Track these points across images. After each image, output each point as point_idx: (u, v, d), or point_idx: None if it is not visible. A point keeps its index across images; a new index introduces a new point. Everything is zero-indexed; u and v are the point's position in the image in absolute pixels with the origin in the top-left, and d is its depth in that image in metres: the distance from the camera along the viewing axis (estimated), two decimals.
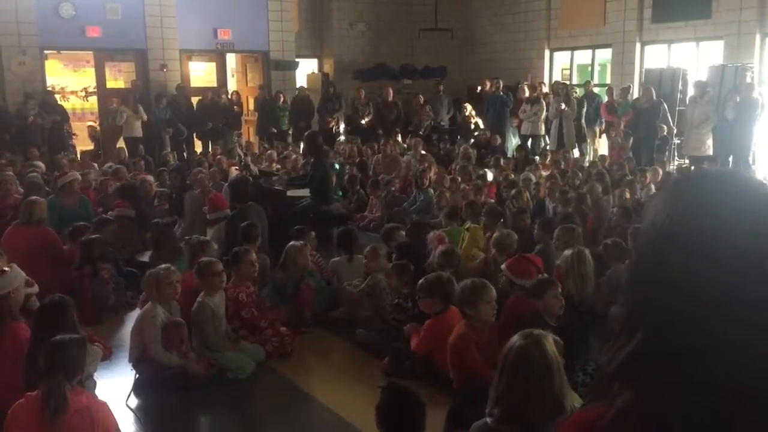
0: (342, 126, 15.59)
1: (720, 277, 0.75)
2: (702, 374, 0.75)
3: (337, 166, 10.97)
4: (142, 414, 4.22)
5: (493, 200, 8.47)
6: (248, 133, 15.83)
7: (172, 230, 7.03)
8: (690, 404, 0.76)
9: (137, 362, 4.53)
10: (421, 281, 4.68)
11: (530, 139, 13.57)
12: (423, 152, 11.99)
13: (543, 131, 13.52)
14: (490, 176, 9.97)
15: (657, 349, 0.79)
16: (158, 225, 6.72)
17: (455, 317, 4.48)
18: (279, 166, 11.11)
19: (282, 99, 14.55)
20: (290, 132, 14.58)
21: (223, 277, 4.92)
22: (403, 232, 6.46)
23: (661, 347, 0.79)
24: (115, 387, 4.39)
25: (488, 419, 2.93)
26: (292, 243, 5.86)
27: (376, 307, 5.35)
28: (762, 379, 0.75)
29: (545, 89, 14.50)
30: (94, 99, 15.16)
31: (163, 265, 4.84)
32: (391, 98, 14.90)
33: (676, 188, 0.87)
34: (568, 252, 5.15)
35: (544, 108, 13.31)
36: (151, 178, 9.37)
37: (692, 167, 10.85)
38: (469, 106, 14.81)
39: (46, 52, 13.78)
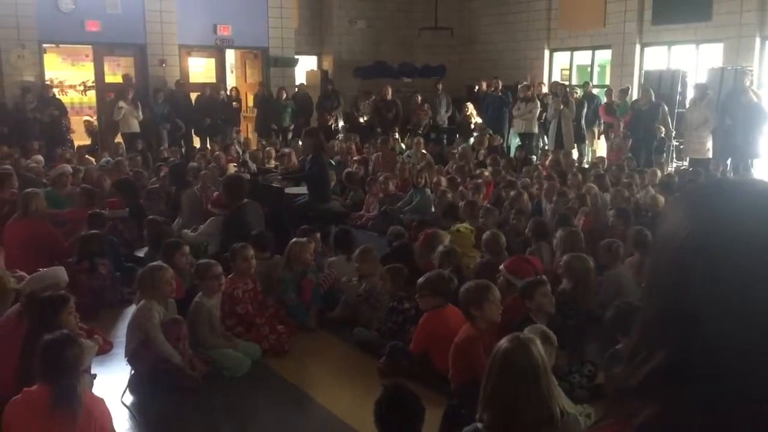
0: (341, 124, 15.56)
1: (748, 291, 0.72)
2: (733, 391, 0.73)
3: (332, 163, 10.95)
4: (137, 411, 4.21)
5: (488, 199, 8.47)
6: (247, 129, 15.80)
7: (170, 227, 6.97)
8: (720, 421, 0.73)
9: (132, 357, 4.50)
10: (421, 279, 4.67)
11: (525, 138, 13.53)
12: (423, 152, 11.98)
13: (536, 129, 13.51)
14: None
15: (683, 366, 0.76)
16: (155, 221, 6.65)
17: (452, 314, 4.47)
18: (277, 163, 11.08)
19: (285, 95, 14.51)
20: (291, 128, 14.56)
21: (221, 280, 4.89)
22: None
23: (687, 364, 0.75)
24: (111, 383, 4.37)
25: (478, 424, 2.93)
26: (295, 240, 5.80)
27: (374, 310, 5.32)
28: None
29: (545, 89, 14.49)
30: (92, 93, 15.11)
31: (157, 263, 4.82)
32: (389, 96, 14.87)
33: (692, 198, 0.82)
34: (567, 255, 5.14)
35: (538, 106, 13.30)
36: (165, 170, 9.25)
37: (690, 169, 10.84)
38: (470, 106, 14.78)
39: (44, 45, 13.72)
